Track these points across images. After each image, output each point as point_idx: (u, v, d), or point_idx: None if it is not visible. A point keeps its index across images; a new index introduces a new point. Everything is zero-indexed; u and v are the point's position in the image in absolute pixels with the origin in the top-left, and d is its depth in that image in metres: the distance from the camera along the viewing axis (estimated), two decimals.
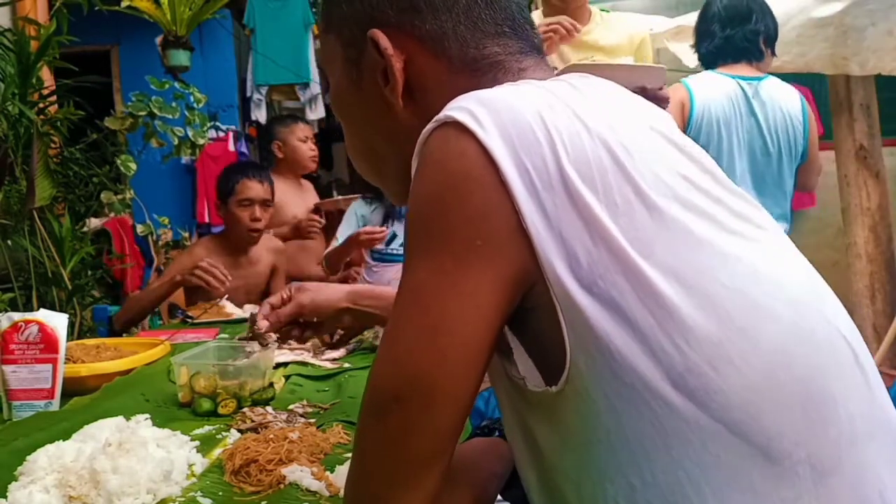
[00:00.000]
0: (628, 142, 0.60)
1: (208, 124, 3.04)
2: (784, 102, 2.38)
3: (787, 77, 2.53)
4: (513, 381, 0.64)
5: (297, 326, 1.19)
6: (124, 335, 2.37)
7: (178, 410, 1.23)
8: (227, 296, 2.38)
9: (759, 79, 2.40)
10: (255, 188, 2.60)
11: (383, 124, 0.74)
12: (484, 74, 0.69)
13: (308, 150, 3.14)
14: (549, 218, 0.56)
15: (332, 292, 1.18)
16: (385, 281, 2.77)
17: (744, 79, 2.37)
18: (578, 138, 0.58)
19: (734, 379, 0.56)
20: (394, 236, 2.81)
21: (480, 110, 0.59)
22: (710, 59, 2.48)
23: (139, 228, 3.29)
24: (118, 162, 2.81)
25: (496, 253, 0.57)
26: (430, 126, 0.61)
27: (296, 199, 3.11)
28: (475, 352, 0.58)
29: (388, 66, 0.70)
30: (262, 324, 1.14)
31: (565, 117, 0.59)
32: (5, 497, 0.84)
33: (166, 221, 3.61)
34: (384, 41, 0.70)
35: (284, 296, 1.18)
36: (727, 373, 0.56)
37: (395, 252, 2.83)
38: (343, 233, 2.84)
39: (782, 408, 0.57)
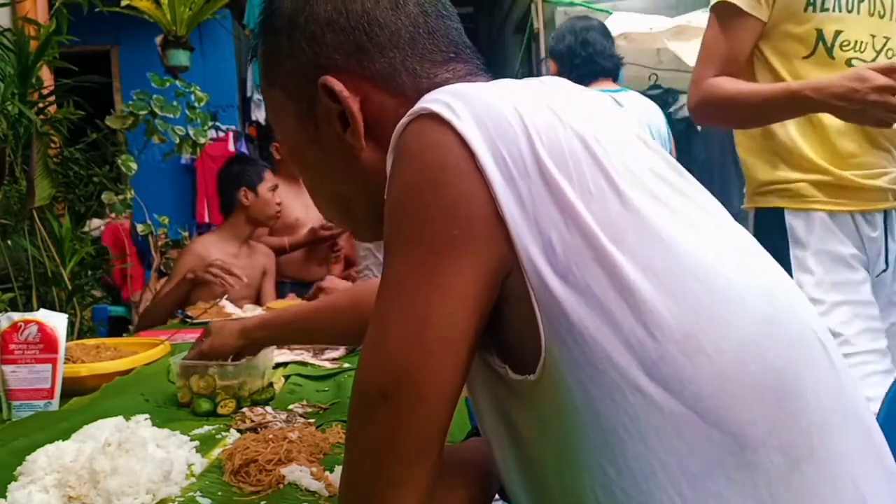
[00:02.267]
0: (600, 135, 0.61)
1: (209, 123, 3.03)
2: (648, 115, 2.56)
3: None
4: (493, 370, 0.64)
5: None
6: (124, 335, 2.38)
7: (178, 410, 1.23)
8: (226, 295, 2.39)
9: (621, 90, 2.62)
10: (274, 177, 2.82)
11: (346, 169, 0.73)
12: None
13: None
14: (524, 205, 0.57)
15: (227, 333, 1.25)
16: None
17: (609, 91, 2.55)
18: (553, 129, 0.59)
19: (706, 368, 0.56)
20: None
21: (456, 102, 0.59)
22: (578, 79, 2.65)
23: (139, 228, 3.29)
24: (118, 162, 2.81)
25: (474, 242, 0.57)
26: (405, 119, 0.61)
27: (296, 202, 3.11)
28: (459, 343, 0.58)
29: (346, 108, 0.70)
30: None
31: (539, 109, 0.60)
32: (5, 497, 0.84)
33: (166, 221, 3.61)
34: (338, 85, 0.69)
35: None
36: (699, 362, 0.56)
37: None
38: None
39: (754, 397, 0.57)
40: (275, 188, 2.77)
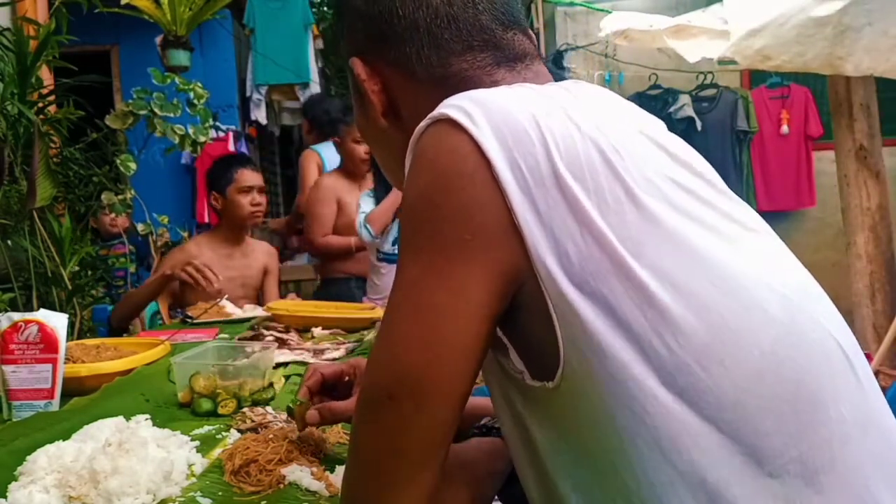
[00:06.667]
0: (619, 144, 0.61)
1: (210, 122, 3.02)
2: None
3: (786, 77, 2.55)
4: (509, 375, 0.64)
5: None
6: (124, 335, 2.38)
7: (178, 410, 1.22)
8: (226, 295, 2.39)
9: None
10: (252, 176, 2.77)
11: (385, 140, 0.78)
12: (454, 89, 0.69)
13: (364, 151, 3.09)
14: (540, 215, 0.57)
15: None
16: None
17: None
18: (571, 140, 0.59)
19: (723, 379, 0.56)
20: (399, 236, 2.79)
21: (474, 108, 0.59)
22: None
23: (139, 228, 3.29)
24: (118, 161, 2.80)
25: (486, 248, 0.58)
26: (423, 123, 0.62)
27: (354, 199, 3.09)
28: (468, 347, 0.58)
29: (364, 89, 0.75)
30: (312, 416, 0.97)
31: (558, 119, 0.60)
32: (5, 497, 0.84)
33: (166, 221, 3.61)
34: (358, 67, 0.75)
35: (346, 377, 1.05)
36: (716, 373, 0.56)
37: None
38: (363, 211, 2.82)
39: (773, 408, 0.57)
40: (249, 189, 2.71)
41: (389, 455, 0.59)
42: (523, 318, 0.61)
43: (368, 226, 2.79)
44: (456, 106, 0.60)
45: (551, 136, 0.59)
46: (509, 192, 0.57)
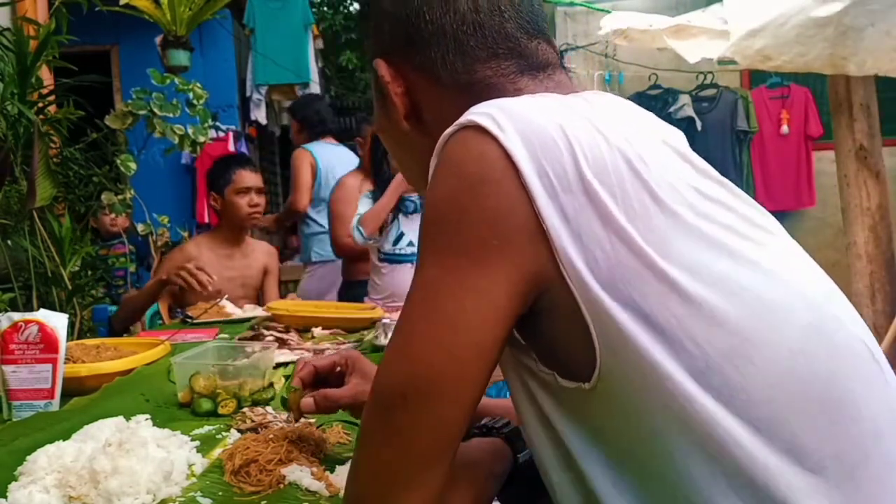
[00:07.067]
0: (645, 154, 0.61)
1: (209, 122, 3.02)
2: None
3: (786, 77, 2.54)
4: (536, 376, 0.64)
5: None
6: (124, 335, 2.38)
7: (178, 410, 1.23)
8: (226, 295, 2.39)
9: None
10: (250, 177, 2.77)
11: (406, 143, 0.78)
12: (477, 96, 0.70)
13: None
14: (568, 221, 0.58)
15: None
16: (395, 283, 2.75)
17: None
18: (598, 148, 0.60)
19: (756, 379, 0.57)
20: (400, 235, 2.79)
21: (502, 116, 0.60)
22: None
23: (139, 228, 3.28)
24: (118, 161, 2.80)
25: (512, 253, 0.58)
26: (450, 129, 0.62)
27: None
28: (486, 351, 0.59)
29: (387, 91, 0.75)
30: (307, 403, 0.98)
31: (584, 128, 0.61)
32: (5, 497, 0.84)
33: (166, 221, 3.61)
34: (383, 69, 0.75)
35: (337, 367, 1.04)
36: (748, 372, 0.57)
37: (402, 252, 2.80)
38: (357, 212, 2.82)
39: (806, 407, 0.58)
40: (247, 190, 2.71)
41: (398, 455, 0.59)
42: (545, 322, 0.61)
43: (361, 227, 2.80)
44: (484, 113, 0.61)
45: (578, 145, 0.59)
46: (537, 198, 0.58)
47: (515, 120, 0.60)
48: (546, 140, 0.59)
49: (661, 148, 0.66)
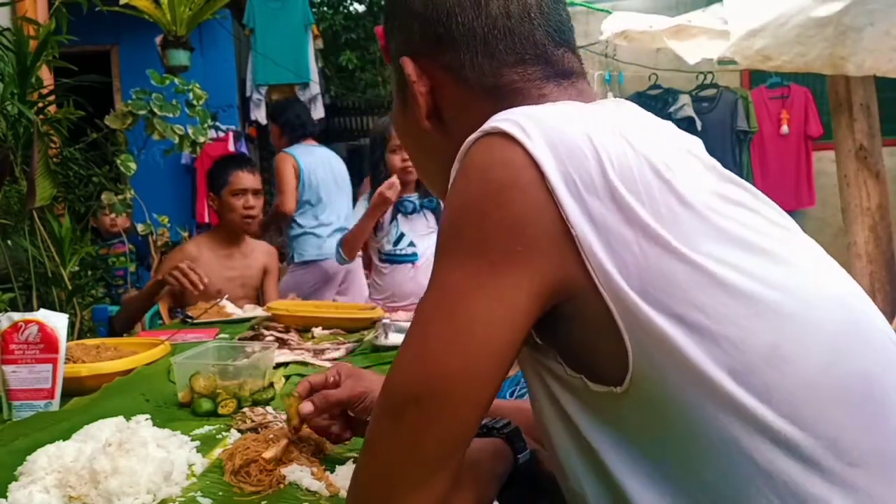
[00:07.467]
0: (670, 161, 0.62)
1: (209, 122, 3.02)
2: None
3: (786, 77, 2.54)
4: (562, 380, 0.64)
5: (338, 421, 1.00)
6: (125, 335, 2.38)
7: (178, 410, 1.23)
8: (226, 295, 2.39)
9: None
10: (247, 178, 2.75)
11: (425, 143, 0.78)
12: (503, 100, 0.71)
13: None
14: (597, 225, 0.58)
15: (370, 380, 1.00)
16: (396, 283, 2.74)
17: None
18: (624, 156, 0.60)
19: (792, 375, 0.57)
20: (401, 236, 2.79)
21: (528, 123, 0.60)
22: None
23: (139, 228, 3.28)
24: (118, 162, 2.80)
25: (537, 259, 0.58)
26: (474, 135, 0.62)
27: None
28: (501, 356, 0.59)
29: (412, 90, 0.75)
30: (306, 406, 0.96)
31: (610, 136, 0.61)
32: (5, 497, 0.84)
33: (166, 221, 3.61)
34: (409, 67, 0.75)
35: (331, 378, 1.00)
36: (785, 371, 0.57)
37: (402, 252, 2.79)
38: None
39: (843, 401, 0.59)
40: (243, 192, 2.71)
41: (406, 457, 0.59)
42: (569, 326, 0.61)
43: (342, 250, 2.81)
44: (509, 120, 0.61)
45: (605, 153, 0.59)
46: (564, 204, 0.57)
47: (542, 127, 0.60)
48: (572, 147, 0.59)
49: (686, 156, 0.67)
